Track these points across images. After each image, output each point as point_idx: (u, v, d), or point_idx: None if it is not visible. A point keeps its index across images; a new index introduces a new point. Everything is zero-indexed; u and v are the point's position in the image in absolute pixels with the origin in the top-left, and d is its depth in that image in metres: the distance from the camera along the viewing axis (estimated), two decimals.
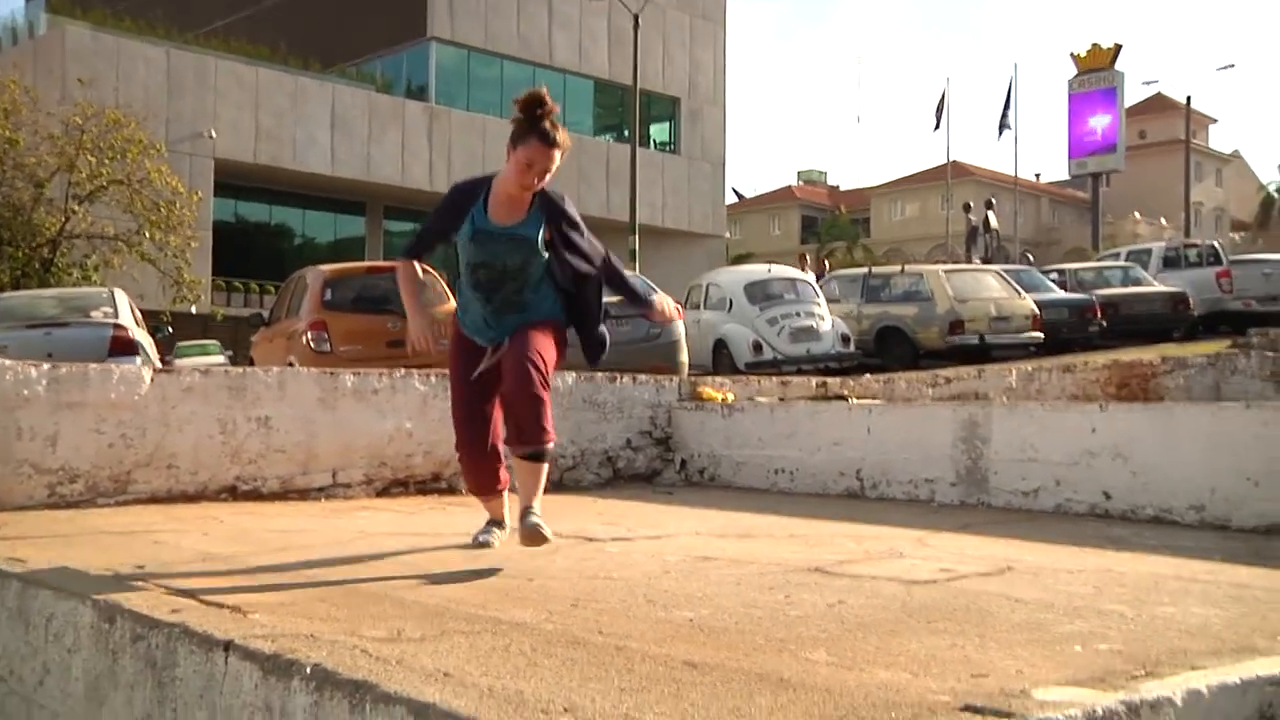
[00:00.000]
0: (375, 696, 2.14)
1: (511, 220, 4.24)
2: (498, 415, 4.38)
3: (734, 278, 18.12)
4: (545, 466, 4.26)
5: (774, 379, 10.04)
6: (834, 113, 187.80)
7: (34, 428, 5.70)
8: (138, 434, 6.03)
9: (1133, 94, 52.58)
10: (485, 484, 4.54)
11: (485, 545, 4.39)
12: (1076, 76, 49.04)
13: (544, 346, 4.21)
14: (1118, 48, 48.86)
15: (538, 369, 4.10)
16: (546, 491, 7.25)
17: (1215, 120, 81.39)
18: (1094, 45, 49.26)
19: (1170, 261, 22.94)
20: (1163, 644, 2.67)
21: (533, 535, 3.98)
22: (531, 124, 4.08)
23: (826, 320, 16.75)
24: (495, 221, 4.24)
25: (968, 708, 2.04)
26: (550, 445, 4.21)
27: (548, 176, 4.20)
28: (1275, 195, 77.61)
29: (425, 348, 4.48)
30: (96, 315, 12.63)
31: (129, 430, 6.00)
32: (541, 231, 4.25)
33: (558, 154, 4.14)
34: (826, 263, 26.92)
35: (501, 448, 4.42)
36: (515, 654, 2.50)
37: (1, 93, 25.49)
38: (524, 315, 4.27)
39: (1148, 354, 12.56)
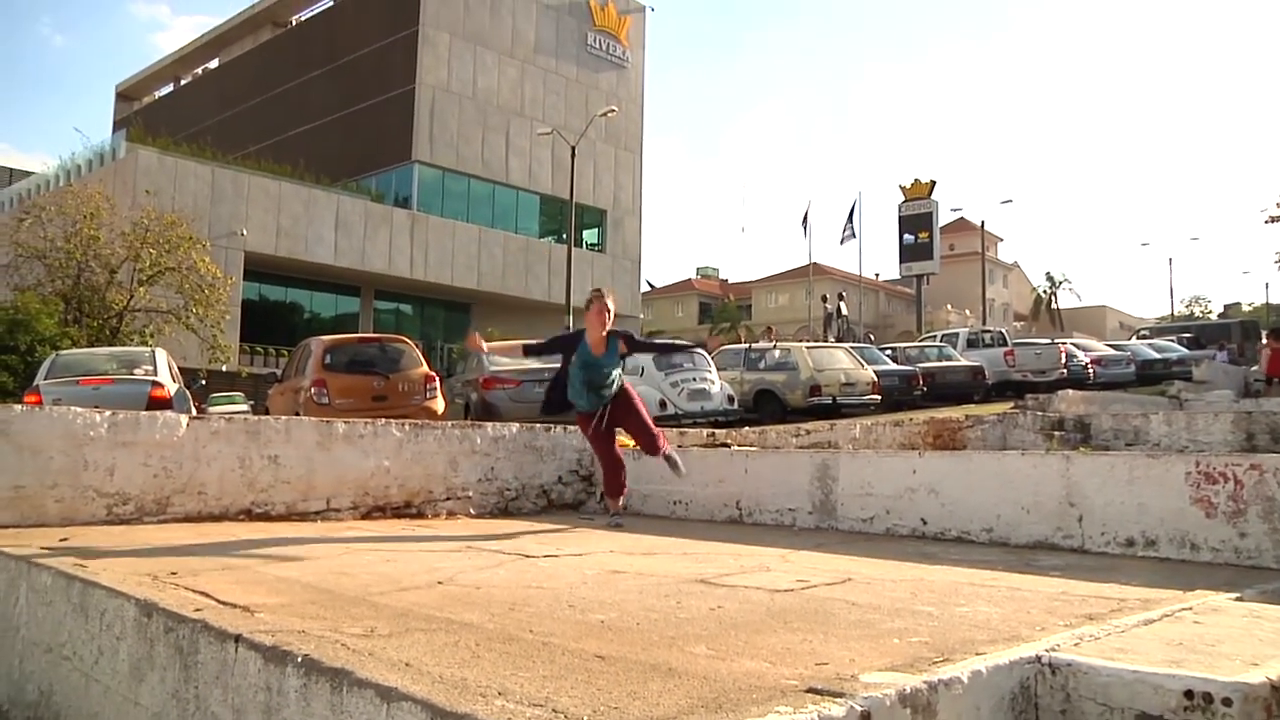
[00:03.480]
0: (351, 681, 2.11)
1: (599, 353, 6.33)
2: (619, 446, 6.73)
3: None
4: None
5: (674, 430, 10.06)
6: (724, 222, 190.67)
7: (97, 461, 5.63)
8: (176, 467, 5.93)
9: (944, 217, 53.55)
10: (615, 490, 6.72)
11: (618, 526, 6.21)
12: (904, 202, 49.86)
13: (638, 400, 6.60)
14: (933, 183, 49.80)
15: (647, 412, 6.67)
16: (495, 517, 7.29)
17: (1002, 239, 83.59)
18: (916, 180, 50.19)
19: (972, 342, 23.47)
20: (957, 635, 2.70)
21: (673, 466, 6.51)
22: (594, 298, 6.29)
23: (716, 384, 16.79)
24: (593, 354, 6.33)
25: (811, 689, 2.05)
26: (667, 449, 6.59)
27: (608, 320, 6.27)
28: (1042, 295, 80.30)
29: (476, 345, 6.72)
30: (139, 372, 12.09)
31: (169, 464, 5.90)
32: (617, 352, 6.40)
33: (609, 305, 6.28)
34: (773, 330, 27.50)
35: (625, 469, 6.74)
36: (462, 648, 2.46)
37: (89, 202, 25.96)
38: (612, 390, 6.43)
39: (956, 412, 12.78)
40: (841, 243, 53.11)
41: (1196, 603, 3.31)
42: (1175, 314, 65.23)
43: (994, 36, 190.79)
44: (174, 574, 3.65)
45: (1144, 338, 30.84)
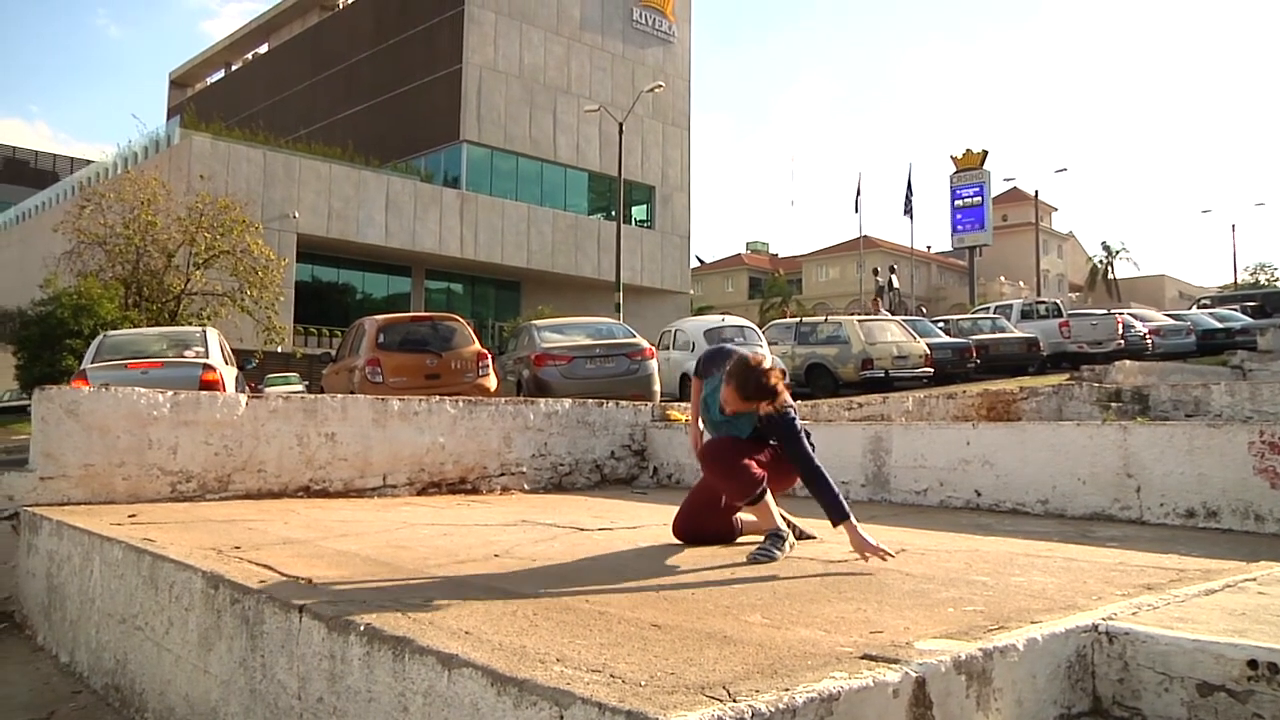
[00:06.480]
0: (412, 649, 2.16)
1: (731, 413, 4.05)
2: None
3: (696, 325, 18.04)
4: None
5: None
6: (773, 196, 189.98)
7: (161, 439, 5.78)
8: (236, 445, 6.05)
9: (996, 187, 52.65)
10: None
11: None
12: (955, 173, 49.12)
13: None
14: (985, 152, 48.96)
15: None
16: (549, 492, 7.22)
17: (1056, 209, 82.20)
18: (967, 150, 49.35)
19: (1026, 314, 23.10)
20: (1012, 605, 2.69)
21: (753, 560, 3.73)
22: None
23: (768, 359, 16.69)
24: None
25: (865, 656, 2.07)
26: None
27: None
28: (1098, 266, 78.85)
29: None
30: (190, 354, 11.58)
31: (229, 442, 6.03)
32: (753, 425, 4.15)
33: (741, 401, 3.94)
34: (878, 301, 27.65)
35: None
36: (521, 617, 2.50)
37: (146, 188, 26.23)
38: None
39: (1010, 384, 12.63)
40: (905, 212, 52.53)
41: (1261, 573, 3.26)
42: (1238, 282, 63.55)
43: (1046, 1, 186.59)
44: (238, 548, 3.75)
45: (1205, 307, 30.11)
